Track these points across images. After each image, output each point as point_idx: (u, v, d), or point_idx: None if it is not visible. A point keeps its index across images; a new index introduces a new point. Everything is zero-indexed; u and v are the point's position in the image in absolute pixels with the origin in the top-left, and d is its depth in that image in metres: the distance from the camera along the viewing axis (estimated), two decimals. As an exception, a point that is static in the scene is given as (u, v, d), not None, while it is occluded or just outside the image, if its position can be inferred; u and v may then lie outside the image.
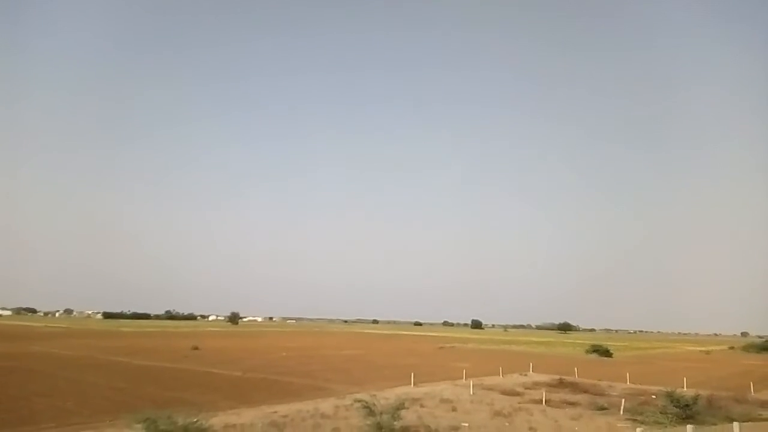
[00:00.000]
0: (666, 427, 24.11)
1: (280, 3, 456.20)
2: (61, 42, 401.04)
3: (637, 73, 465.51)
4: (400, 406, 21.43)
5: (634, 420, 25.49)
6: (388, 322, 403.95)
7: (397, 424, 20.64)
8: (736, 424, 21.26)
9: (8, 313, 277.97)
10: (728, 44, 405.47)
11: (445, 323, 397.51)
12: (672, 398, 26.55)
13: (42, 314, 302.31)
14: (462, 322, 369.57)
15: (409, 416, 23.27)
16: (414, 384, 37.19)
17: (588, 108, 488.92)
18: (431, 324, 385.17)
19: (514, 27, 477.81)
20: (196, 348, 68.19)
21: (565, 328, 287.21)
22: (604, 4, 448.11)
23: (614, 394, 35.80)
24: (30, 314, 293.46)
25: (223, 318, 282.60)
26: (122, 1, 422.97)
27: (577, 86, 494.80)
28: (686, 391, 32.48)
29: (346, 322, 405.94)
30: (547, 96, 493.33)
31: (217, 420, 21.59)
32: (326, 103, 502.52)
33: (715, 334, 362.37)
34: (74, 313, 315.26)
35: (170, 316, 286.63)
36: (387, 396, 29.52)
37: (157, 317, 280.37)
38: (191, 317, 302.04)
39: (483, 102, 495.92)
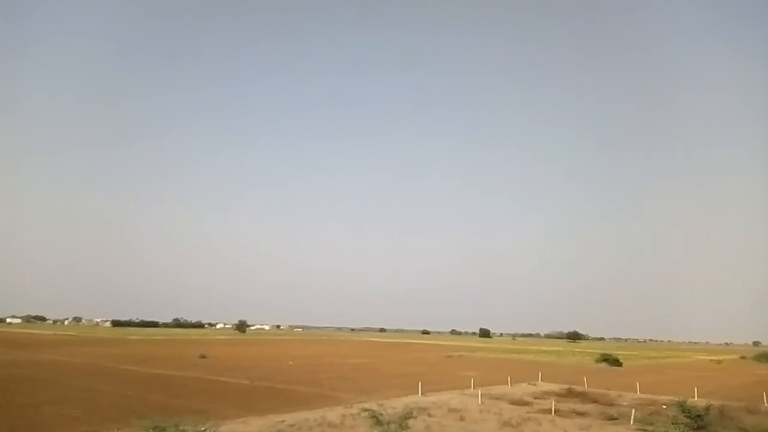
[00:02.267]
0: (677, 437, 23.81)
1: (280, 6, 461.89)
2: (61, 44, 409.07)
3: (638, 78, 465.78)
4: (407, 416, 21.29)
5: (645, 430, 25.21)
6: (396, 331, 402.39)
7: (405, 434, 20.52)
8: (748, 435, 20.96)
9: (18, 321, 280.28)
10: (728, 46, 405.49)
11: (453, 332, 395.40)
12: (683, 408, 26.29)
13: (51, 322, 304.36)
14: (470, 330, 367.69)
15: (416, 426, 23.15)
16: (422, 393, 36.99)
17: (597, 113, 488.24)
18: (439, 332, 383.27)
19: (514, 30, 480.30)
20: (203, 356, 68.27)
21: (574, 336, 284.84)
22: (605, 8, 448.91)
23: (624, 404, 35.42)
24: (39, 322, 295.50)
25: (230, 326, 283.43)
26: (122, 4, 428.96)
27: (584, 91, 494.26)
28: (697, 401, 32.09)
29: (353, 330, 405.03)
30: (555, 101, 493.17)
31: (225, 428, 21.62)
32: (333, 109, 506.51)
33: (727, 344, 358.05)
34: (83, 321, 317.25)
35: (178, 324, 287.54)
36: (394, 405, 29.40)
37: (165, 325, 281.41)
38: (199, 325, 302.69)
39: (493, 108, 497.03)
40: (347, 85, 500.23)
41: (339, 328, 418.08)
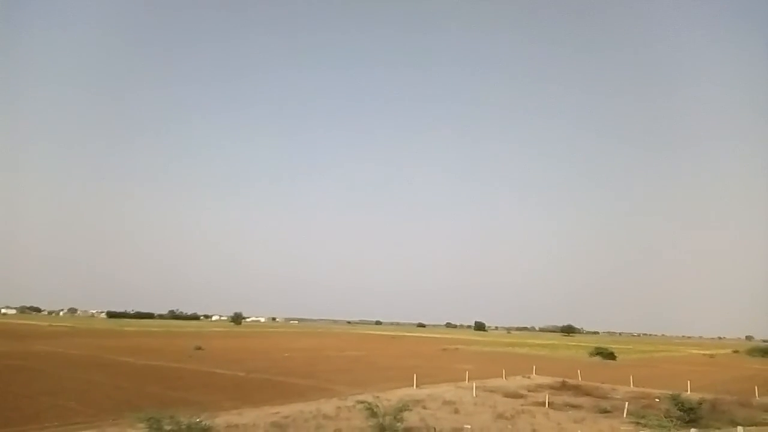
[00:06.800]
0: (669, 430, 24.01)
1: (281, 1, 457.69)
2: (60, 39, 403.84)
3: (638, 74, 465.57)
4: (402, 408, 21.41)
5: (638, 423, 25.39)
6: (392, 324, 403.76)
7: (400, 426, 20.62)
8: (740, 429, 21.20)
9: (13, 311, 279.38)
10: (728, 44, 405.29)
11: (448, 325, 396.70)
12: (676, 402, 26.48)
13: (46, 313, 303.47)
14: (465, 324, 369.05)
15: (411, 418, 23.25)
16: (417, 386, 37.16)
17: (592, 109, 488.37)
18: (434, 326, 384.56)
19: (516, 27, 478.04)
20: (199, 348, 68.34)
21: (568, 330, 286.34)
22: (606, 4, 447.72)
23: (617, 397, 35.68)
24: (34, 313, 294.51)
25: (226, 318, 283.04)
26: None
27: (581, 87, 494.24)
28: (690, 394, 32.37)
29: (349, 323, 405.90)
30: (551, 96, 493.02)
31: (220, 420, 21.66)
32: (329, 101, 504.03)
33: (720, 338, 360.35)
34: (78, 312, 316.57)
35: (174, 315, 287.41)
36: (389, 397, 29.54)
37: (161, 317, 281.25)
38: (195, 317, 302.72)
39: (487, 102, 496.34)
40: (345, 79, 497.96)
41: (335, 321, 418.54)
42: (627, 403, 29.85)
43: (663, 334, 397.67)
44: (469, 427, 23.35)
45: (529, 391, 37.54)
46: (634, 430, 24.25)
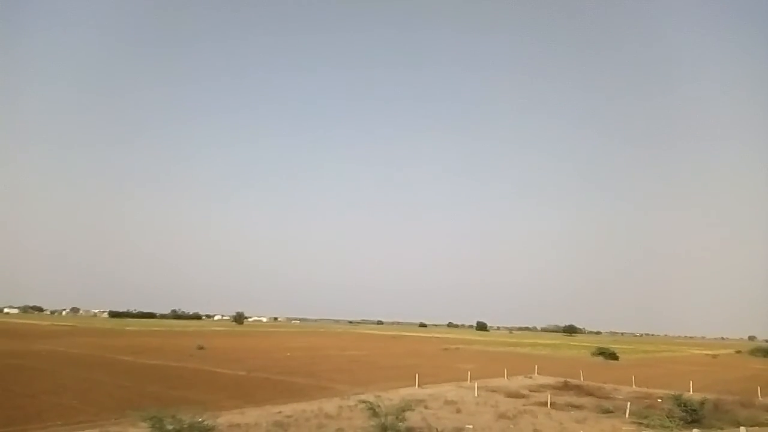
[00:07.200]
0: (672, 430, 23.97)
1: (280, 1, 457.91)
2: (61, 39, 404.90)
3: (638, 73, 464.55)
4: (404, 408, 21.37)
5: (640, 423, 25.36)
6: (393, 323, 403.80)
7: (402, 426, 20.58)
8: (742, 429, 21.17)
9: (15, 311, 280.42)
10: (728, 44, 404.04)
11: (450, 325, 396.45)
12: (678, 402, 26.41)
13: (48, 313, 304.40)
14: (467, 323, 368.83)
15: (413, 418, 23.22)
16: (418, 385, 37.13)
17: (593, 108, 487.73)
18: (436, 325, 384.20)
19: (516, 27, 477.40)
20: (201, 347, 68.38)
21: (570, 330, 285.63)
22: (605, 4, 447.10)
23: (620, 397, 35.61)
24: (37, 313, 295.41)
25: (228, 318, 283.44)
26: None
27: (581, 86, 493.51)
28: (692, 394, 32.26)
29: (350, 322, 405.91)
30: (551, 96, 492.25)
31: (222, 419, 21.66)
32: (329, 101, 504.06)
33: (722, 338, 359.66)
34: (80, 311, 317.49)
35: (176, 315, 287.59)
36: (391, 397, 29.53)
37: (163, 316, 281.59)
38: (197, 317, 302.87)
39: (487, 101, 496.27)
40: (345, 79, 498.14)
41: (336, 321, 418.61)
42: (629, 403, 29.77)
43: (665, 335, 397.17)
44: (471, 426, 23.32)
45: (531, 391, 37.47)
46: (636, 430, 24.20)
